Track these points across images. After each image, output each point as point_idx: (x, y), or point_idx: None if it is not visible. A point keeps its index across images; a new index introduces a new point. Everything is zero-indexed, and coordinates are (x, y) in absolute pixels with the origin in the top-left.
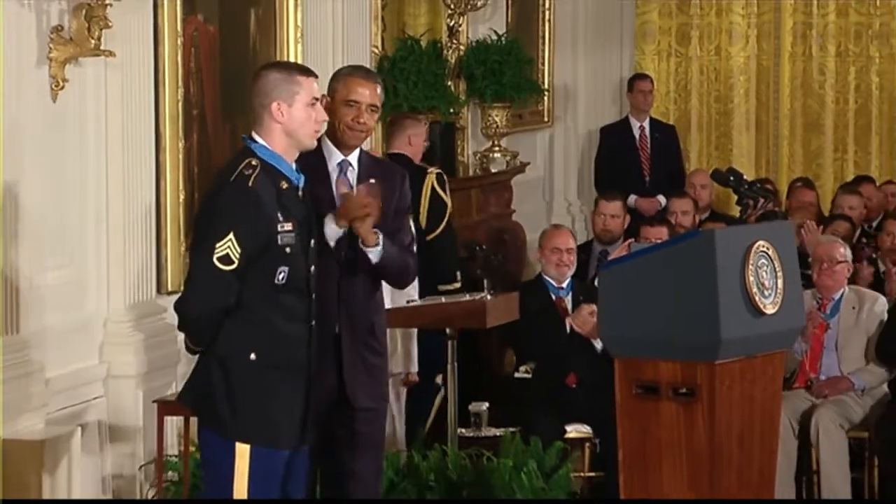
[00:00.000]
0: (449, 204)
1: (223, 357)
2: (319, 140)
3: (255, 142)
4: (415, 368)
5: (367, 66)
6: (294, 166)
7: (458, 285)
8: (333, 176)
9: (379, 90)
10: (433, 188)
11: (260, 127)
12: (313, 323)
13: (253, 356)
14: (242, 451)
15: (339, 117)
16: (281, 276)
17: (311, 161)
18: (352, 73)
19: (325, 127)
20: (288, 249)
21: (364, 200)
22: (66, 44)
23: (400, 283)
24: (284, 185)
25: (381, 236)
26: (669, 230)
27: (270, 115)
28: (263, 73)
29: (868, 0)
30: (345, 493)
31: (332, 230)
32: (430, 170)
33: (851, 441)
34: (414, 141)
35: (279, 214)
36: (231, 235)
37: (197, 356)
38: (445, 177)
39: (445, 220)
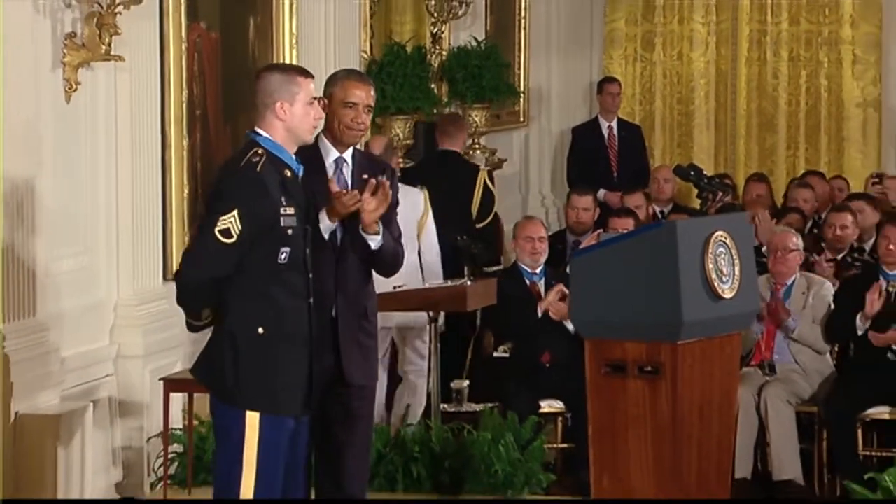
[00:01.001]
0: (496, 197)
1: (232, 332)
2: (317, 138)
3: (259, 135)
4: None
5: (357, 69)
6: (294, 157)
7: (500, 267)
8: (330, 171)
9: (372, 92)
10: (485, 183)
11: (263, 122)
12: (311, 300)
13: (261, 330)
14: (252, 419)
15: (339, 118)
16: (283, 256)
17: (310, 157)
18: (348, 76)
19: (321, 124)
20: (290, 231)
21: (352, 198)
22: (79, 49)
23: (391, 272)
24: (287, 174)
25: (381, 226)
26: (636, 221)
27: (274, 113)
28: (267, 75)
29: (818, 9)
30: (339, 463)
31: (326, 225)
32: (482, 167)
33: (802, 415)
34: (465, 140)
35: (283, 199)
36: (235, 212)
37: (208, 334)
38: (493, 173)
39: (493, 212)
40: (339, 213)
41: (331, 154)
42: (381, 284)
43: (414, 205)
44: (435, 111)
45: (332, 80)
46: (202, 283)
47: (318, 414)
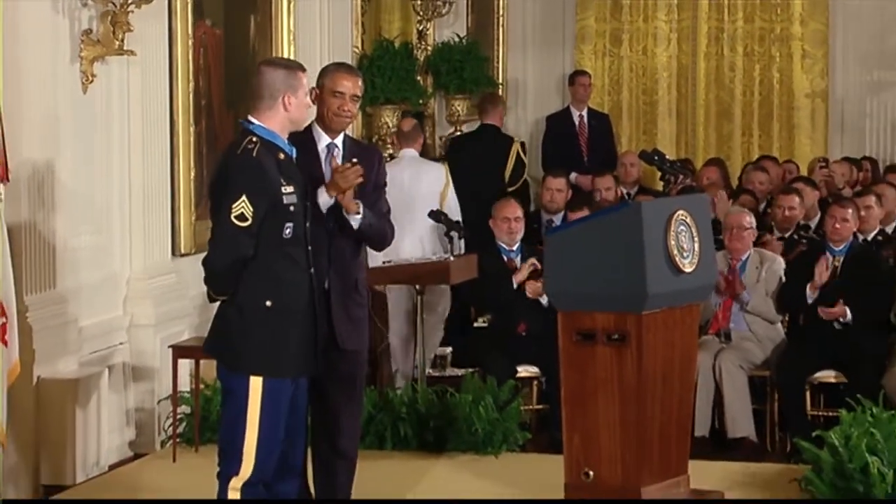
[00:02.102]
0: (527, 165)
1: (241, 306)
2: (310, 125)
3: (252, 123)
4: None
5: (350, 63)
6: (287, 141)
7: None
8: (322, 156)
9: (360, 83)
10: (518, 153)
11: (261, 113)
12: (312, 270)
13: (268, 303)
14: (255, 383)
15: (328, 106)
16: (287, 232)
17: (304, 143)
18: (337, 68)
19: (312, 113)
20: (292, 208)
21: (353, 174)
22: (95, 45)
23: (379, 246)
24: (282, 156)
25: (361, 206)
26: (590, 208)
27: (281, 104)
28: (272, 70)
29: (770, 8)
30: (333, 423)
31: (325, 200)
32: (515, 139)
33: (756, 379)
34: (502, 115)
35: (281, 179)
36: (244, 197)
37: (216, 307)
38: (525, 145)
39: (523, 178)
40: (340, 188)
41: (322, 140)
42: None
43: (436, 179)
44: (421, 101)
45: (323, 72)
46: (230, 267)
47: (314, 378)
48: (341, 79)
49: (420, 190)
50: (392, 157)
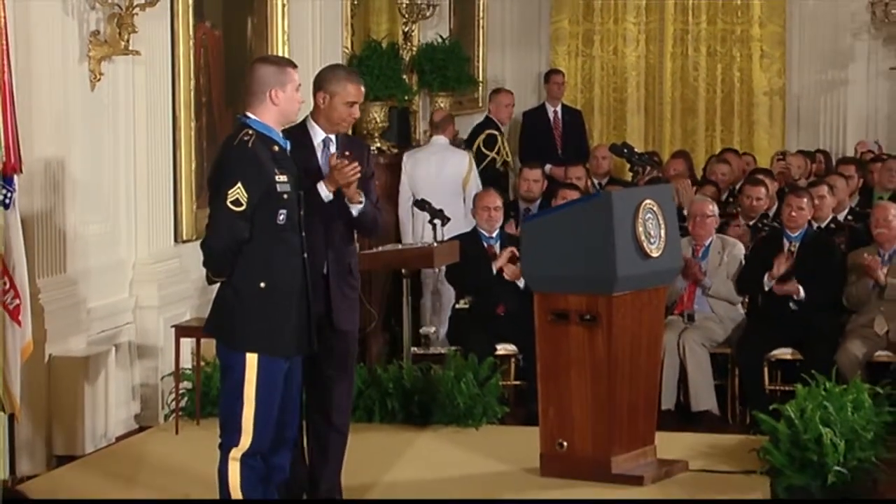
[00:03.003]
0: (491, 155)
1: (238, 287)
2: (305, 120)
3: (248, 118)
4: None
5: (340, 62)
6: (280, 134)
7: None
8: (318, 150)
9: (363, 88)
10: (479, 143)
11: (255, 107)
12: (305, 255)
13: (262, 285)
14: (252, 360)
15: (338, 112)
16: (281, 218)
17: (300, 137)
18: (348, 77)
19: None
20: (285, 196)
21: (350, 170)
22: (102, 45)
23: (371, 234)
24: (276, 148)
25: (363, 196)
26: (580, 193)
27: (270, 99)
28: (262, 66)
29: (732, 11)
30: (326, 398)
31: (326, 195)
32: (485, 131)
33: (718, 356)
34: (503, 107)
35: (275, 169)
36: (239, 184)
37: (215, 290)
38: (497, 137)
39: (485, 162)
40: (338, 182)
41: (319, 135)
42: None
43: (460, 164)
44: (406, 98)
45: (333, 79)
46: (226, 249)
47: (309, 356)
48: (353, 88)
49: (445, 174)
50: (379, 150)
